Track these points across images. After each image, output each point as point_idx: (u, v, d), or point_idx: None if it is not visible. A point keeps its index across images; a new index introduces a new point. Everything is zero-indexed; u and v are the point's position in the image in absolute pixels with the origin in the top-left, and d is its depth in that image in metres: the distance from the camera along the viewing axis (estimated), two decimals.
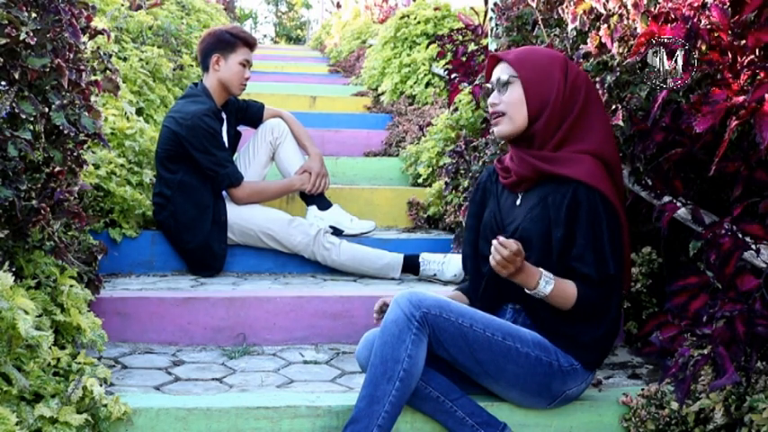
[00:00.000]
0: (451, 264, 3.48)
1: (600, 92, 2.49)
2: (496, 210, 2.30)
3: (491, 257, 2.07)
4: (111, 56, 2.70)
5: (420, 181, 4.50)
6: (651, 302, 2.76)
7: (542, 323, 2.19)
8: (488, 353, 2.12)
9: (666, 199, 2.25)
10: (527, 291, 2.12)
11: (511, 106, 2.21)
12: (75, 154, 2.42)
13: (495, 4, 3.58)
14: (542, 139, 2.19)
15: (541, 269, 2.11)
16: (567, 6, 2.69)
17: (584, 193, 2.13)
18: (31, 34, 2.16)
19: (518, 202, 2.26)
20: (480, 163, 3.60)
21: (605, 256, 2.12)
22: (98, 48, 2.84)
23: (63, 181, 2.38)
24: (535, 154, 2.20)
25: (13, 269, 2.27)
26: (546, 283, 2.10)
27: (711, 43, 2.03)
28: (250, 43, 3.68)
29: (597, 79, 2.53)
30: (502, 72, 2.24)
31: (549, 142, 2.19)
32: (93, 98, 2.52)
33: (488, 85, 2.30)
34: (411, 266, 3.54)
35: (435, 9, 6.43)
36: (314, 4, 20.31)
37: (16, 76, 2.16)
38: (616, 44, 2.39)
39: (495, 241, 2.06)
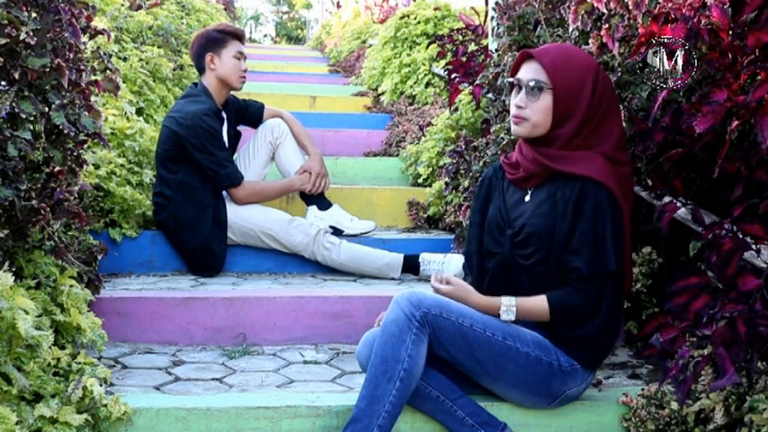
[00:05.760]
0: (451, 264, 3.47)
1: None
2: (502, 206, 2.29)
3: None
4: (111, 56, 2.70)
5: (420, 181, 4.50)
6: (651, 302, 2.76)
7: (542, 323, 2.19)
8: (488, 352, 2.12)
9: (667, 199, 2.25)
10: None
11: (537, 114, 2.17)
12: (75, 154, 2.42)
13: (497, 4, 3.57)
14: (562, 143, 2.18)
15: (503, 298, 2.16)
16: (568, 6, 2.69)
17: (592, 187, 2.13)
18: (31, 34, 2.16)
19: (527, 198, 2.25)
20: (480, 163, 3.60)
21: (606, 250, 2.11)
22: (98, 48, 2.84)
23: (63, 181, 2.38)
24: (547, 153, 2.19)
25: (13, 269, 2.27)
26: (506, 313, 2.15)
27: (711, 43, 2.03)
28: (239, 35, 3.70)
29: None
30: (535, 74, 2.17)
31: (569, 145, 2.18)
32: (93, 98, 2.52)
33: (511, 80, 2.23)
34: (411, 266, 3.54)
35: (435, 9, 6.43)
36: (314, 4, 20.31)
37: (16, 76, 2.16)
38: (617, 44, 2.39)
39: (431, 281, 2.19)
